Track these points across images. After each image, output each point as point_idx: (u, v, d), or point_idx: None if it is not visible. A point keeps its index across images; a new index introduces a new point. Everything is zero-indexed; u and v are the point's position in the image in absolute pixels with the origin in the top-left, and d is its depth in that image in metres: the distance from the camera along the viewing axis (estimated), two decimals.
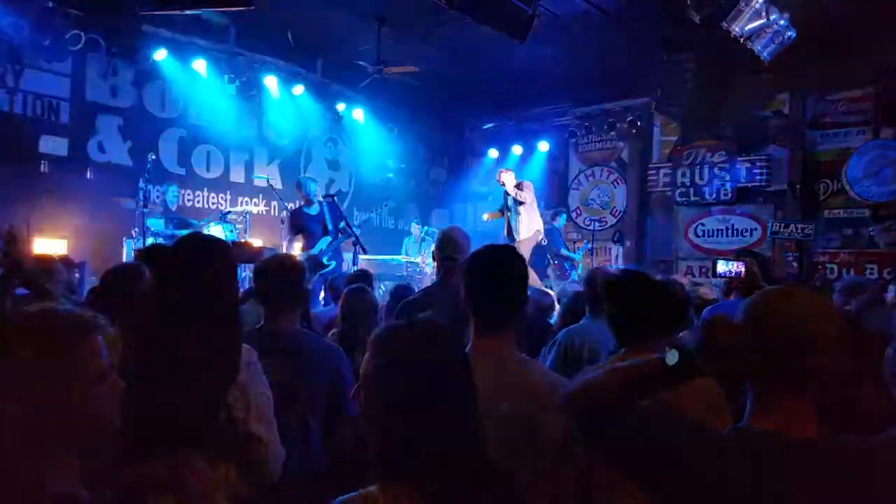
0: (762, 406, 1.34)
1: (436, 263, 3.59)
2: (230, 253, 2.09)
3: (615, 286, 2.44)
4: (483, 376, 1.89)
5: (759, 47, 7.19)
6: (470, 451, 1.40)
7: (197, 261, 1.98)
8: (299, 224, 7.40)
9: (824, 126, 10.05)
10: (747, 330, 1.35)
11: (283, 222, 8.27)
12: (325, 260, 7.16)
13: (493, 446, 1.82)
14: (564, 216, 10.85)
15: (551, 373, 2.12)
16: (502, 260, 2.04)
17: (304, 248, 7.27)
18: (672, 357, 1.43)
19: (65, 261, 4.28)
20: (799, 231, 9.50)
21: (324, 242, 7.26)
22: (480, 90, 11.22)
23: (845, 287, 4.70)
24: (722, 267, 3.91)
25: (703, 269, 10.11)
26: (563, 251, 10.02)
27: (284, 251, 7.21)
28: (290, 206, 8.03)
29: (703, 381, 2.18)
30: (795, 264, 9.82)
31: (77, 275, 4.54)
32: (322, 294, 6.64)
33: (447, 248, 3.45)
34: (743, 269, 3.83)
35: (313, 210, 7.42)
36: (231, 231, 8.16)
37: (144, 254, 2.63)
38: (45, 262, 3.84)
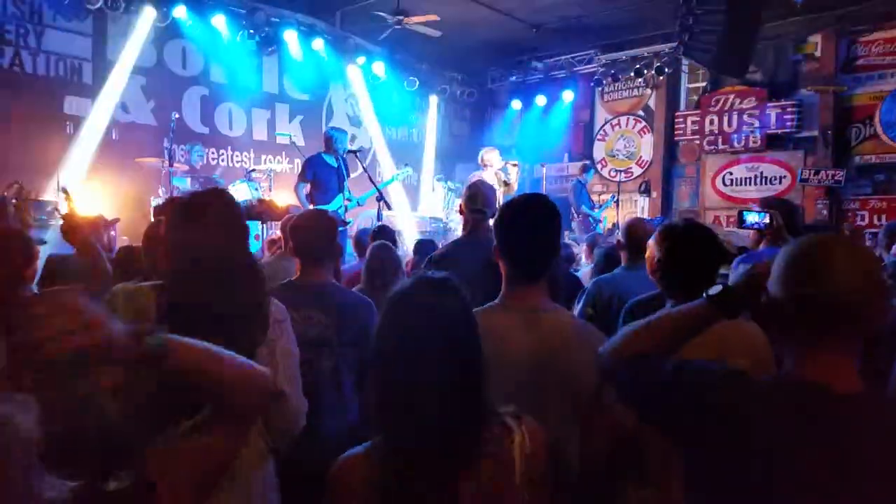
0: (803, 359, 1.30)
1: (464, 217, 3.58)
2: (236, 206, 2.05)
3: (670, 234, 2.35)
4: (516, 326, 1.91)
5: None
6: (464, 407, 1.41)
7: (206, 214, 1.93)
8: (315, 171, 7.14)
9: (857, 69, 9.75)
10: (785, 282, 1.30)
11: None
12: (343, 216, 7.10)
13: (524, 395, 1.84)
14: (592, 171, 10.75)
15: (583, 322, 2.12)
16: (535, 209, 2.01)
17: (315, 200, 7.06)
18: (715, 289, 1.42)
19: (102, 221, 4.36)
20: (829, 178, 9.31)
21: (339, 201, 7.13)
22: (503, 40, 11.01)
23: (889, 231, 4.65)
24: (747, 217, 3.82)
25: (731, 219, 9.97)
26: (585, 208, 9.96)
27: (296, 195, 7.16)
28: None
29: (749, 330, 2.14)
30: (825, 212, 9.65)
31: (113, 233, 4.61)
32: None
33: (476, 201, 3.46)
34: (768, 220, 3.75)
35: (333, 162, 7.20)
36: (256, 189, 8.19)
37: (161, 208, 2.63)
38: (94, 222, 3.92)
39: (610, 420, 1.93)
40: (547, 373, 1.86)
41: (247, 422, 1.17)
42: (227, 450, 1.15)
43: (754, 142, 10.40)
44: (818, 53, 9.97)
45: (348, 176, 7.34)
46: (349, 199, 7.22)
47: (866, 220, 9.41)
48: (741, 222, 3.86)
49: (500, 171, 7.87)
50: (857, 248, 1.31)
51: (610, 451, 1.98)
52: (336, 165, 7.18)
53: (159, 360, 1.01)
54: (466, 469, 1.38)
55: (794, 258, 1.30)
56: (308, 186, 7.15)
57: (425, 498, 1.37)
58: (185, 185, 7.67)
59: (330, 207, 6.97)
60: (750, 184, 10.57)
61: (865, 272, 1.25)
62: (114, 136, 8.46)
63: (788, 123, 10.08)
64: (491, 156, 7.82)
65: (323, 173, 7.16)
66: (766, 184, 10.40)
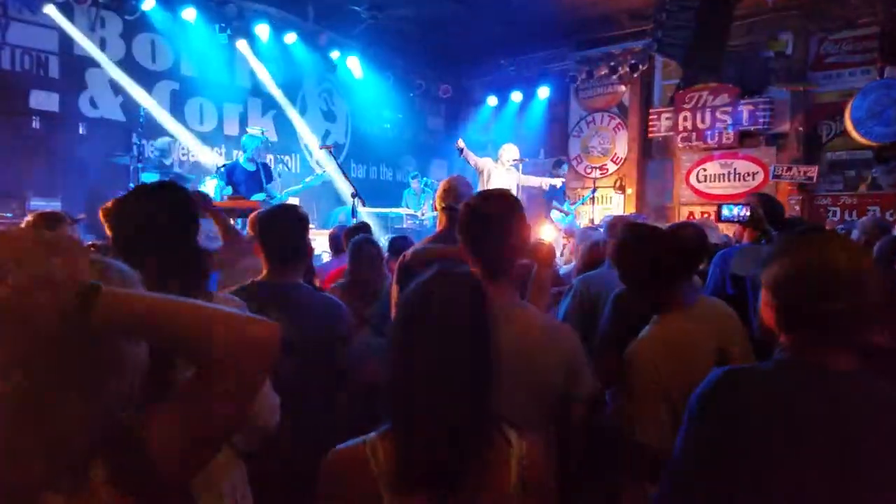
0: (802, 348, 1.39)
1: (438, 213, 3.55)
2: (183, 197, 1.98)
3: (628, 242, 2.38)
4: None
5: None
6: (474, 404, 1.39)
7: (140, 208, 1.89)
8: (230, 176, 7.60)
9: (827, 66, 9.88)
10: (797, 295, 1.39)
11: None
12: None
13: (498, 391, 1.81)
14: (566, 166, 10.84)
15: (551, 317, 2.11)
16: (499, 206, 2.00)
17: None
18: None
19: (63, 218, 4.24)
20: (801, 174, 9.42)
21: (260, 196, 7.45)
22: (478, 36, 10.98)
23: (869, 226, 4.71)
24: (726, 212, 3.83)
25: (705, 215, 10.05)
26: (556, 203, 10.06)
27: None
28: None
29: (723, 310, 2.21)
30: (798, 207, 9.76)
31: (77, 231, 4.51)
32: None
33: (450, 197, 3.42)
34: (747, 212, 3.75)
35: (251, 167, 7.65)
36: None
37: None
38: (56, 219, 3.82)
39: (582, 411, 1.96)
40: (519, 369, 1.85)
41: (247, 382, 1.08)
42: (227, 416, 1.07)
43: (727, 138, 10.49)
44: (789, 51, 10.08)
45: (270, 180, 7.76)
46: (272, 197, 7.51)
47: (838, 216, 9.53)
48: (719, 216, 3.89)
49: (511, 168, 7.87)
50: (861, 258, 1.40)
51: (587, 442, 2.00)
52: (254, 170, 7.61)
53: (88, 306, 0.92)
54: (468, 468, 1.36)
55: (803, 272, 1.38)
56: (228, 188, 7.55)
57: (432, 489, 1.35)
58: (155, 180, 7.54)
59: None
60: (723, 180, 10.67)
61: (866, 281, 1.35)
62: (81, 132, 8.30)
63: (761, 120, 10.17)
64: (503, 150, 7.87)
65: (236, 177, 7.58)
66: (739, 180, 10.50)
